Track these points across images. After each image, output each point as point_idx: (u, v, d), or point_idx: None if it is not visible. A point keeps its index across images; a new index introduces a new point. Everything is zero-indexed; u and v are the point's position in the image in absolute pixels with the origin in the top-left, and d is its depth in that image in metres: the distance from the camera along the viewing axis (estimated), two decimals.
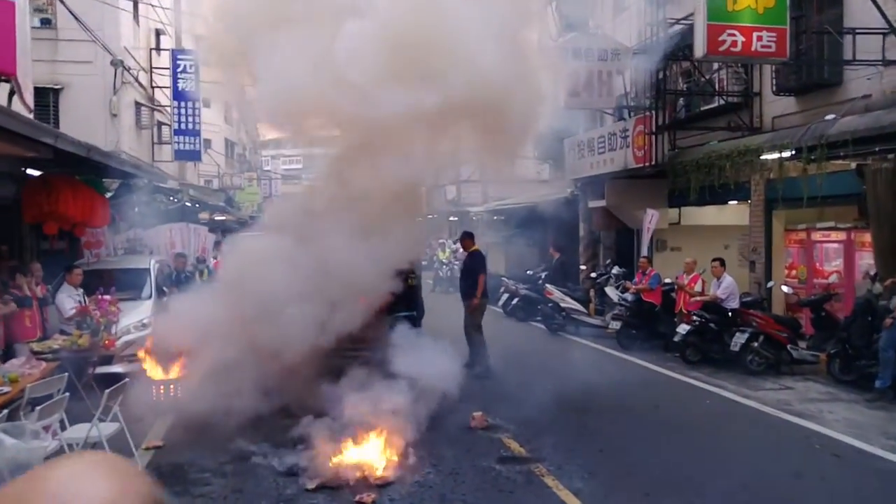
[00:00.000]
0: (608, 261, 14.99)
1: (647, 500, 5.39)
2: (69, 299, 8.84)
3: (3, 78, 8.18)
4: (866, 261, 11.16)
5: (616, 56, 12.80)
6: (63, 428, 5.70)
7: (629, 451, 6.56)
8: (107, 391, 5.62)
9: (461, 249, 12.02)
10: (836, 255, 12.14)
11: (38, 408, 5.15)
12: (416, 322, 8.81)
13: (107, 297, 7.83)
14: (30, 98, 8.96)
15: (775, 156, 10.05)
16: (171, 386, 7.94)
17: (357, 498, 5.27)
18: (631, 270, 15.79)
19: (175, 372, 8.09)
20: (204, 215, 22.58)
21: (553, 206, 15.75)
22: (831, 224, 11.99)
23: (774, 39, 9.46)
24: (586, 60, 12.39)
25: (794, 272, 12.66)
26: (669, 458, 6.39)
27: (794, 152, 9.71)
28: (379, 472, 5.78)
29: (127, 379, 6.28)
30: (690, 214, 15.22)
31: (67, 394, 5.70)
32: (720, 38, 9.34)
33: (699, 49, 9.50)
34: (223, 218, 24.51)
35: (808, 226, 12.28)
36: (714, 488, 5.60)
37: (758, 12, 9.46)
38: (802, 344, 10.10)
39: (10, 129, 6.17)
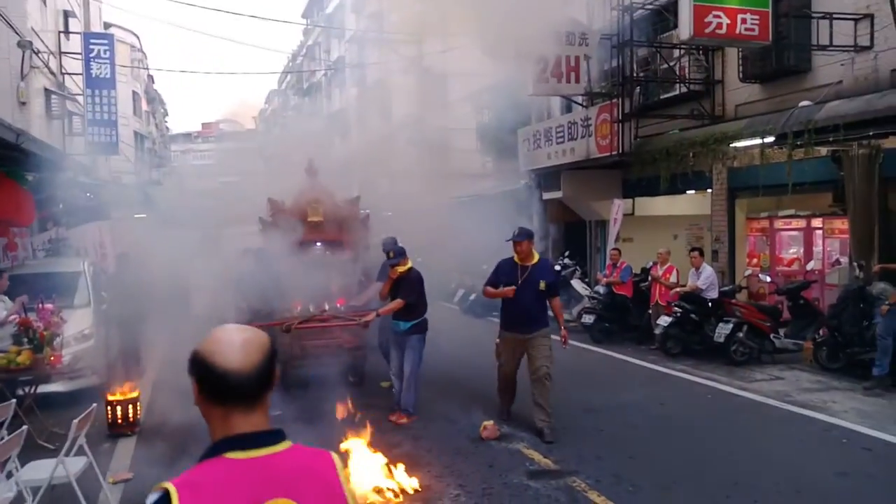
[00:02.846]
0: (566, 253, 14.63)
1: None
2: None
3: None
4: (832, 248, 11.29)
5: (584, 40, 12.38)
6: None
7: (660, 456, 6.07)
8: (74, 421, 4.59)
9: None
10: (795, 242, 12.25)
11: None
12: None
13: (49, 305, 6.64)
14: None
15: (756, 142, 9.89)
16: (132, 405, 6.89)
17: None
18: (583, 263, 15.57)
19: (134, 389, 7.01)
20: (118, 214, 20.84)
21: (505, 199, 15.24)
22: (791, 212, 12.08)
23: (757, 22, 9.30)
24: (554, 44, 11.88)
25: (754, 260, 12.69)
26: (705, 461, 5.94)
27: (774, 139, 9.57)
28: (400, 498, 5.05)
29: (94, 405, 5.22)
30: (643, 205, 15.11)
31: (25, 427, 4.62)
32: (706, 20, 9.07)
33: (685, 30, 9.19)
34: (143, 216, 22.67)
35: (770, 214, 12.34)
36: (770, 492, 5.18)
37: None
38: (782, 332, 10.00)
39: None
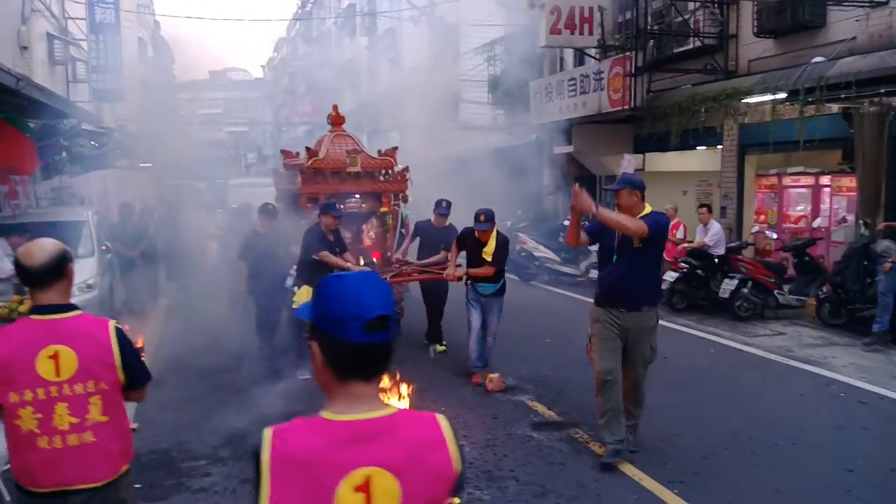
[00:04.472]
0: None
1: (706, 463, 5.04)
2: (5, 257, 7.63)
3: None
4: (840, 206, 11.25)
5: None
6: None
7: (661, 409, 6.18)
8: None
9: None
10: (803, 199, 12.20)
11: None
12: None
13: None
14: None
15: (767, 98, 9.77)
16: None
17: None
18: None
19: (139, 339, 7.14)
20: (123, 163, 20.83)
21: (516, 152, 15.17)
22: (800, 169, 12.00)
23: None
24: None
25: (762, 217, 12.67)
26: (704, 414, 6.07)
27: (786, 95, 9.45)
28: None
29: None
30: (653, 161, 15.01)
31: None
32: None
33: None
34: (148, 165, 22.67)
35: (779, 171, 12.26)
36: (765, 444, 5.32)
37: None
38: (786, 288, 10.06)
39: None
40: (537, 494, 4.53)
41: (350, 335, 1.40)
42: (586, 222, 5.10)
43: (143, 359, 2.72)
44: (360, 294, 1.43)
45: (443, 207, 8.03)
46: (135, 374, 2.62)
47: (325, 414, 1.44)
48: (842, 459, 5.07)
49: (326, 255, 6.93)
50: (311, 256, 6.90)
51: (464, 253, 7.03)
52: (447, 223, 8.09)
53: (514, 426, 5.76)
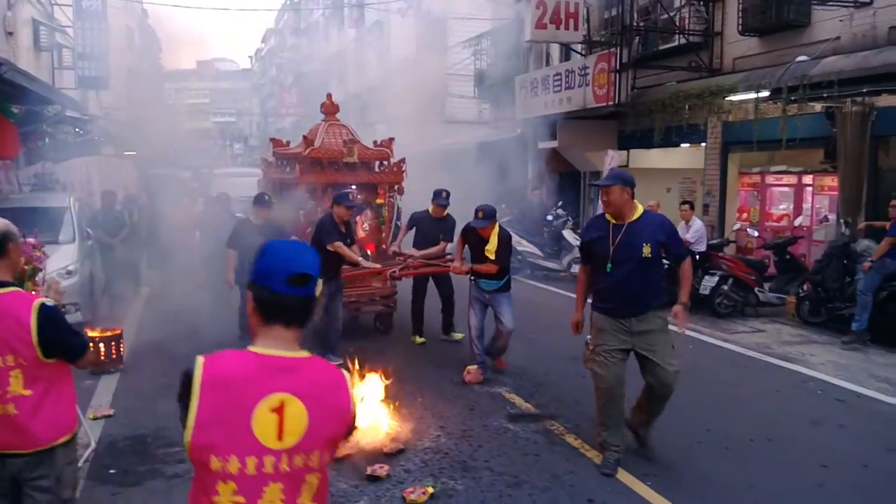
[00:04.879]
0: (559, 203, 14.63)
1: (686, 455, 5.06)
2: None
3: None
4: (822, 205, 11.33)
5: None
6: None
7: None
8: None
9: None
10: (786, 198, 12.28)
11: None
12: None
13: (31, 239, 6.62)
14: None
15: (751, 96, 9.81)
16: (114, 342, 6.99)
17: (370, 471, 4.64)
18: (576, 214, 15.60)
19: (117, 325, 7.09)
20: (107, 151, 20.61)
21: (501, 147, 15.16)
22: (783, 168, 12.08)
23: None
24: None
25: (744, 215, 12.74)
26: (681, 409, 6.06)
27: (769, 93, 9.49)
28: (384, 438, 5.17)
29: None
30: (638, 157, 15.04)
31: None
32: None
33: None
34: (133, 153, 22.46)
35: (762, 169, 12.33)
36: (741, 440, 5.35)
37: None
38: (767, 286, 10.13)
39: None
40: (511, 485, 4.53)
41: (275, 286, 1.69)
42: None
43: (86, 334, 3.07)
44: (289, 254, 1.72)
45: (443, 198, 7.93)
46: (61, 351, 2.75)
47: (252, 348, 1.71)
48: (816, 455, 5.11)
49: (340, 247, 6.83)
50: (324, 246, 6.73)
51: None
52: (445, 213, 8.00)
53: (490, 417, 5.76)
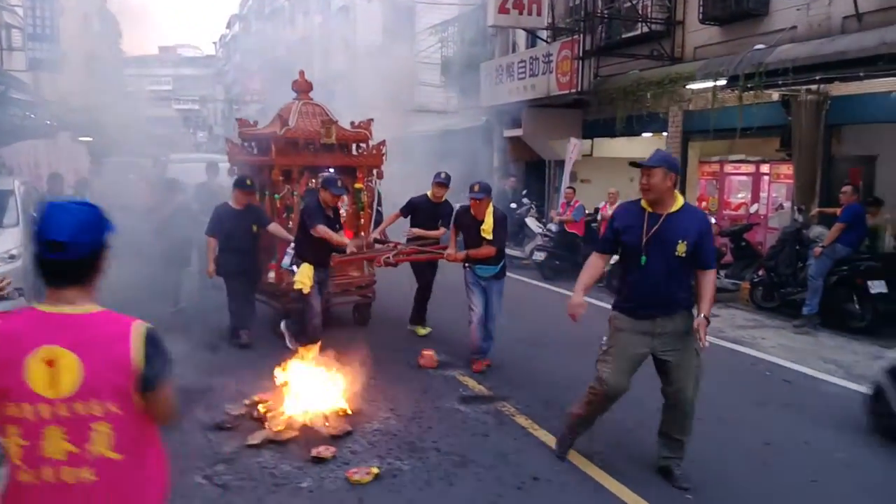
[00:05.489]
0: (524, 192, 14.64)
1: (630, 436, 5.08)
2: None
3: None
4: (778, 193, 11.49)
5: None
6: None
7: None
8: None
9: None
10: (744, 186, 12.43)
11: None
12: None
13: None
14: None
15: (709, 84, 9.88)
16: None
17: (314, 453, 4.56)
18: (542, 202, 15.63)
19: None
20: (62, 136, 20.05)
21: (467, 135, 15.11)
22: (742, 157, 12.23)
23: None
24: None
25: (703, 203, 12.87)
26: (634, 389, 6.07)
27: (727, 81, 9.57)
28: (331, 421, 5.09)
29: None
30: (602, 146, 15.12)
31: None
32: None
33: None
34: (88, 139, 21.91)
35: (721, 158, 12.46)
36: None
37: None
38: (723, 273, 10.24)
39: None
40: (457, 464, 4.49)
41: (38, 250, 1.82)
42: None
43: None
44: (49, 221, 1.81)
45: (442, 178, 7.48)
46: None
47: (36, 305, 1.86)
48: (760, 433, 5.18)
49: (326, 231, 6.39)
50: (309, 232, 6.44)
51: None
52: (444, 198, 7.61)
53: (442, 400, 5.71)
